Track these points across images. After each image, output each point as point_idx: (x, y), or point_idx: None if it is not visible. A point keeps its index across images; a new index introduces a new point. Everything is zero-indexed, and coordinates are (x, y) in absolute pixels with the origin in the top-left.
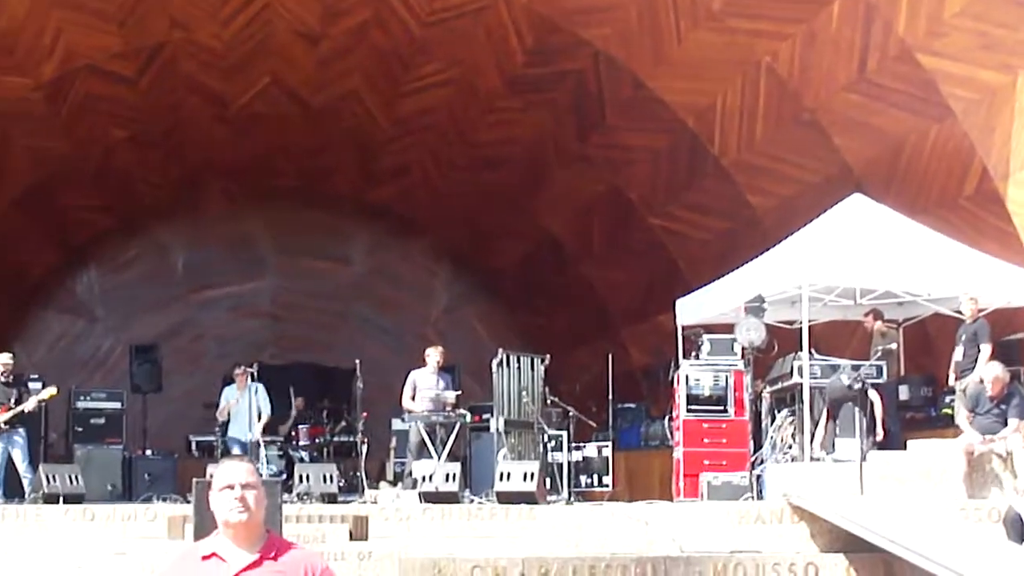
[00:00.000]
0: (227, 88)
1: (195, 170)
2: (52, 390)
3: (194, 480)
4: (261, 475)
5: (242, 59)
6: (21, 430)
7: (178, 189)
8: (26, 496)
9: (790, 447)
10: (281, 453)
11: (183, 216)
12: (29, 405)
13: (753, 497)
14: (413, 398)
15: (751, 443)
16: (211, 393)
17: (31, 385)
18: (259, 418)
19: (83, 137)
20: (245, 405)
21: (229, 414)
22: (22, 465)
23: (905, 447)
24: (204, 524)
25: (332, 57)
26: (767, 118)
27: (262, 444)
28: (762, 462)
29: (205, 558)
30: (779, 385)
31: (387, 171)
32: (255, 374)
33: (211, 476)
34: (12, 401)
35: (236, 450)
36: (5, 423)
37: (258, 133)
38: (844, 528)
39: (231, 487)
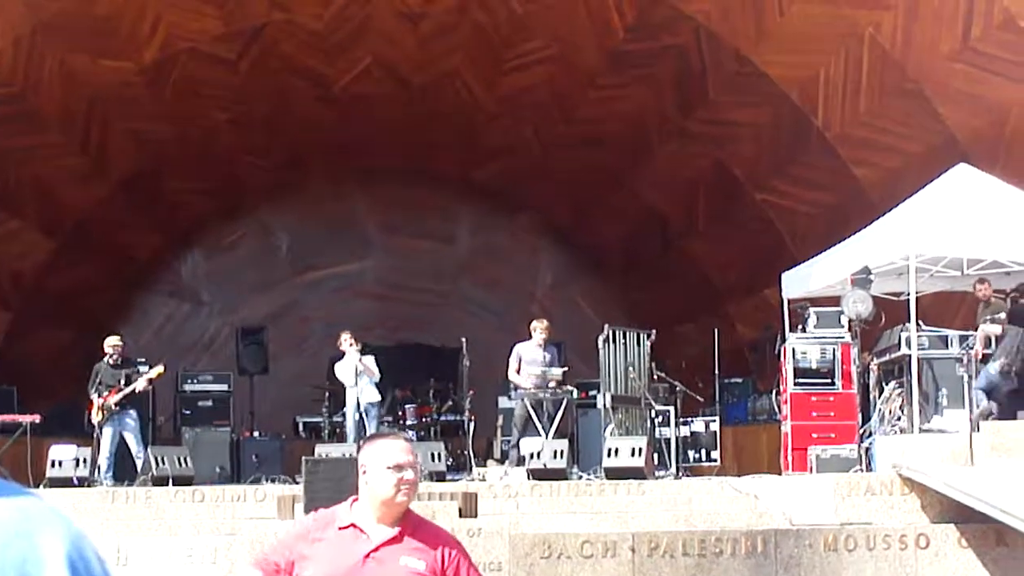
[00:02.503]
0: (328, 69)
1: (298, 151)
2: (160, 368)
3: (303, 459)
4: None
5: (343, 40)
6: (132, 412)
7: (281, 171)
8: (136, 478)
9: (899, 419)
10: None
11: (287, 198)
12: (139, 385)
13: (862, 469)
14: (518, 371)
15: (859, 415)
16: (318, 374)
17: (140, 367)
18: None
19: (185, 120)
20: (362, 373)
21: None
22: (135, 446)
23: (1015, 417)
24: (314, 503)
25: (433, 36)
26: (870, 90)
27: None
28: (871, 434)
29: (343, 528)
30: (887, 357)
31: (490, 150)
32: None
33: (357, 452)
34: (121, 383)
35: (352, 422)
36: (116, 404)
37: (360, 113)
38: (955, 499)
39: (400, 467)
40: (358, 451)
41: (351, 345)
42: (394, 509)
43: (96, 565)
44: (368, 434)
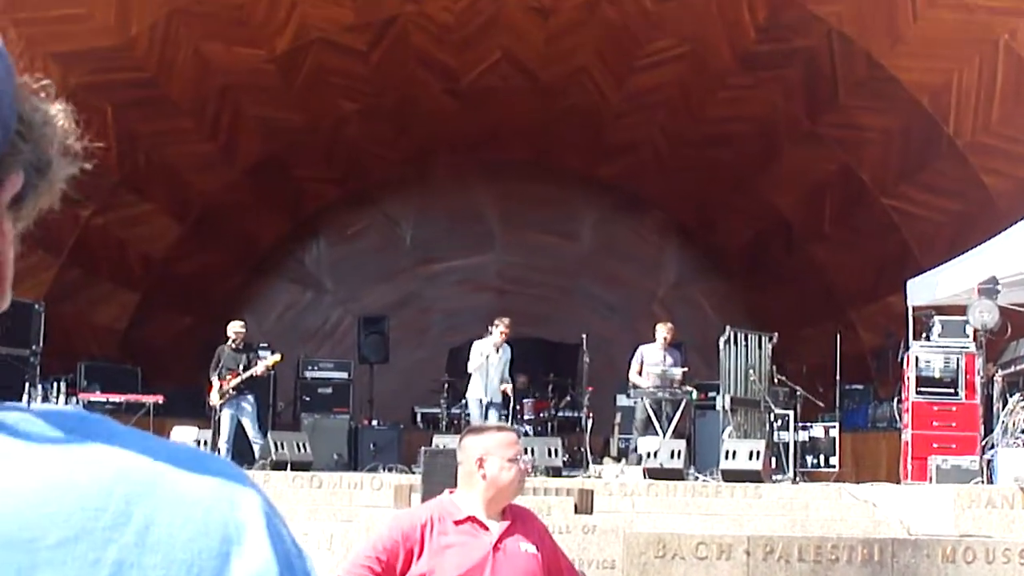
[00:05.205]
0: (457, 62)
1: (424, 143)
2: (276, 356)
3: (422, 449)
4: None
5: (473, 33)
6: (250, 397)
7: (407, 162)
8: (255, 462)
9: (1022, 431)
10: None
11: (411, 189)
12: (257, 370)
13: (983, 481)
14: (640, 372)
15: (982, 427)
16: (437, 365)
17: (261, 352)
18: (501, 381)
19: (314, 109)
20: (497, 364)
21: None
22: (252, 431)
23: None
24: (432, 493)
25: (563, 32)
26: (1004, 97)
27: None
28: (993, 446)
29: (459, 522)
30: (1012, 368)
31: (616, 146)
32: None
33: (465, 439)
34: (241, 367)
35: (478, 411)
36: (233, 388)
37: (488, 107)
38: None
39: (519, 457)
40: (461, 440)
41: (501, 333)
42: (509, 498)
43: (286, 533)
44: (476, 424)
